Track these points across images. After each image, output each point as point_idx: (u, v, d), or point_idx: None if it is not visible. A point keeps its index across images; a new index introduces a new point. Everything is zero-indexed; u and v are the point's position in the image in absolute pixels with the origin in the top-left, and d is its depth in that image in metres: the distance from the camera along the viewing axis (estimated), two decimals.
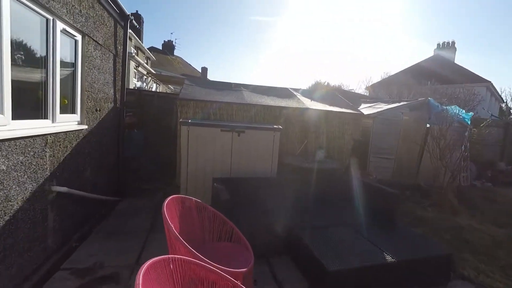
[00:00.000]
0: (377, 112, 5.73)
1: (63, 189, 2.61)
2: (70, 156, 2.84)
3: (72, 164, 2.90)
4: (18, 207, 2.08)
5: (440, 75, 18.52)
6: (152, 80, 13.72)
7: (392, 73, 21.63)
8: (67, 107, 2.91)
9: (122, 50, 4.32)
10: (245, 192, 3.39)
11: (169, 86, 15.61)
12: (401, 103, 5.95)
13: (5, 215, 1.95)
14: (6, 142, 1.91)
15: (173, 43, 28.41)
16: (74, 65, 2.98)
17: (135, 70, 11.86)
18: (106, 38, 3.67)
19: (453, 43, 23.00)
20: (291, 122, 5.20)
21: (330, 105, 5.88)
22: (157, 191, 5.00)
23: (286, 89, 6.53)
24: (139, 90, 7.29)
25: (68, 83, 2.93)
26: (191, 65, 31.03)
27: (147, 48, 19.42)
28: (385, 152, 5.95)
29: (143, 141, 6.02)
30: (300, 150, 5.36)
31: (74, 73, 3.00)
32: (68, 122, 2.84)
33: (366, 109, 6.49)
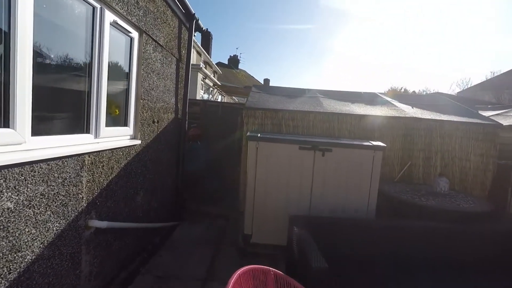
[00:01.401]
0: None
1: (104, 224, 2.02)
2: (117, 179, 2.28)
3: (119, 189, 2.34)
4: (33, 258, 1.49)
5: None
6: (218, 92, 13.88)
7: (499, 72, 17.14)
8: (118, 119, 2.40)
9: (186, 54, 3.84)
10: (341, 246, 2.27)
11: (233, 97, 15.66)
12: None
13: (9, 273, 1.36)
14: (15, 169, 1.34)
15: (238, 57, 29.42)
16: (128, 67, 2.48)
17: (202, 82, 12.13)
18: (168, 40, 3.18)
19: None
20: (388, 136, 3.86)
21: (443, 113, 4.28)
22: (219, 216, 4.29)
23: (374, 94, 5.17)
24: (203, 101, 7.00)
25: (120, 89, 2.43)
26: (253, 77, 31.56)
27: (215, 64, 20.32)
28: None
29: (206, 154, 5.53)
30: (400, 176, 3.93)
31: (128, 77, 2.49)
32: (116, 137, 2.31)
33: (495, 117, 4.57)
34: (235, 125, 5.98)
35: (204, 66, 13.41)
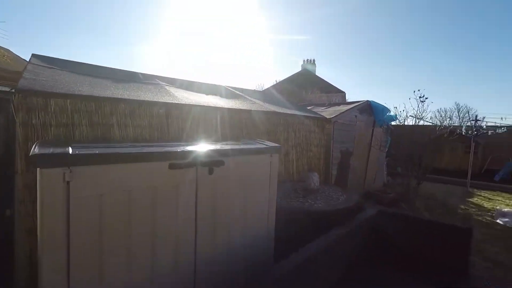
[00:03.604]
0: (336, 116, 4.81)
1: None
2: None
3: None
4: None
5: (311, 85, 21.32)
6: None
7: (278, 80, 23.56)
8: None
9: None
10: None
11: None
12: (353, 105, 5.37)
13: None
14: None
15: None
16: None
17: None
18: None
19: (314, 60, 27.67)
20: (254, 133, 3.33)
21: (289, 108, 4.44)
22: None
23: (217, 85, 4.52)
24: None
25: None
26: (26, 60, 21.98)
27: None
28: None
29: None
30: None
31: None
32: None
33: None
34: None
35: None
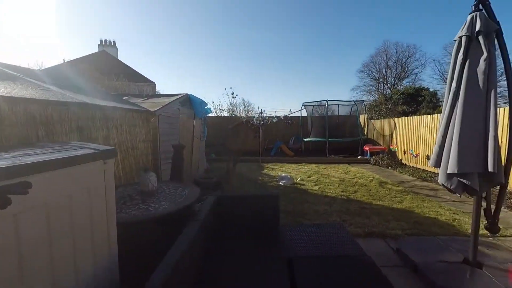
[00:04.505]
0: (161, 108, 4.53)
1: None
2: None
3: None
4: None
5: (115, 71, 18.80)
6: None
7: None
8: None
9: None
10: None
11: None
12: (175, 98, 5.23)
13: None
14: None
15: None
16: None
17: None
18: None
19: (115, 42, 24.17)
20: (57, 131, 2.40)
21: (100, 98, 3.57)
22: None
23: None
24: None
25: None
26: None
27: None
28: (170, 157, 5.04)
29: None
30: None
31: None
32: None
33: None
34: None
35: None
